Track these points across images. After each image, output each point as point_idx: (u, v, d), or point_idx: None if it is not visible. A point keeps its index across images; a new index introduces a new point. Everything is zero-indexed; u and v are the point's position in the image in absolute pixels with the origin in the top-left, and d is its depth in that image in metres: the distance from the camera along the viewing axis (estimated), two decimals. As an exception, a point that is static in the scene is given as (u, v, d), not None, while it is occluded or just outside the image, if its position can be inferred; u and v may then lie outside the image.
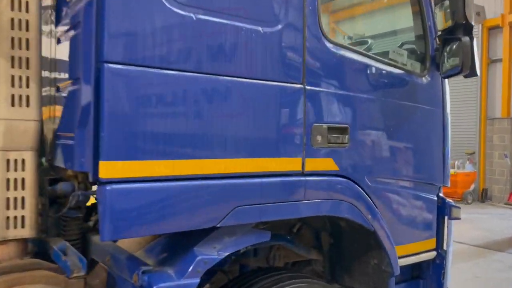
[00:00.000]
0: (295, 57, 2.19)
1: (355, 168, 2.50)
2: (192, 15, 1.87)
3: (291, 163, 2.20)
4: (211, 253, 2.01)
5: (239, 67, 2.02)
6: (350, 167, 2.47)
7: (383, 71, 2.65)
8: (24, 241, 2.16)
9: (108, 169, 1.69)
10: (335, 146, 2.38)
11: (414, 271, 3.15)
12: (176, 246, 2.14)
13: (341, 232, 2.80)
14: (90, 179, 1.74)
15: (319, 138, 2.30)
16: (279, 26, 2.13)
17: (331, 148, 2.36)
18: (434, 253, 3.05)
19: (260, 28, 2.07)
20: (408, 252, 2.88)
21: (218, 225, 1.96)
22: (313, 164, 2.29)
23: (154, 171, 1.78)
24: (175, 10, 1.83)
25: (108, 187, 1.69)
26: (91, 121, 1.71)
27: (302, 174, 2.24)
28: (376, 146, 2.64)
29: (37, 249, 2.32)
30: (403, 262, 2.79)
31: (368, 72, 2.57)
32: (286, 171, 2.19)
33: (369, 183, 2.58)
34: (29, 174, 2.08)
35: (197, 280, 1.93)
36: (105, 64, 1.68)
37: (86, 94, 1.75)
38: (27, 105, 2.06)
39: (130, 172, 1.73)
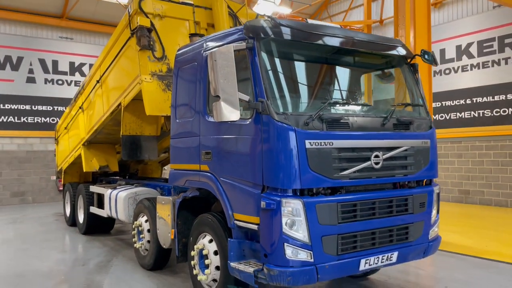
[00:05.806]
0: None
1: (214, 170, 5.29)
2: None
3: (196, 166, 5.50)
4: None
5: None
6: (213, 169, 5.32)
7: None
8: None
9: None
10: (207, 159, 5.40)
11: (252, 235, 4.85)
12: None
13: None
14: None
15: (202, 156, 5.46)
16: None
17: (206, 160, 5.39)
18: (255, 226, 4.54)
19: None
20: (242, 219, 4.74)
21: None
22: (202, 167, 5.49)
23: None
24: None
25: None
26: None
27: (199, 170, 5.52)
28: (222, 159, 5.12)
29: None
30: (239, 223, 4.77)
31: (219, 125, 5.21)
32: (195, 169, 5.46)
33: (220, 177, 5.12)
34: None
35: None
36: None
37: None
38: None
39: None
